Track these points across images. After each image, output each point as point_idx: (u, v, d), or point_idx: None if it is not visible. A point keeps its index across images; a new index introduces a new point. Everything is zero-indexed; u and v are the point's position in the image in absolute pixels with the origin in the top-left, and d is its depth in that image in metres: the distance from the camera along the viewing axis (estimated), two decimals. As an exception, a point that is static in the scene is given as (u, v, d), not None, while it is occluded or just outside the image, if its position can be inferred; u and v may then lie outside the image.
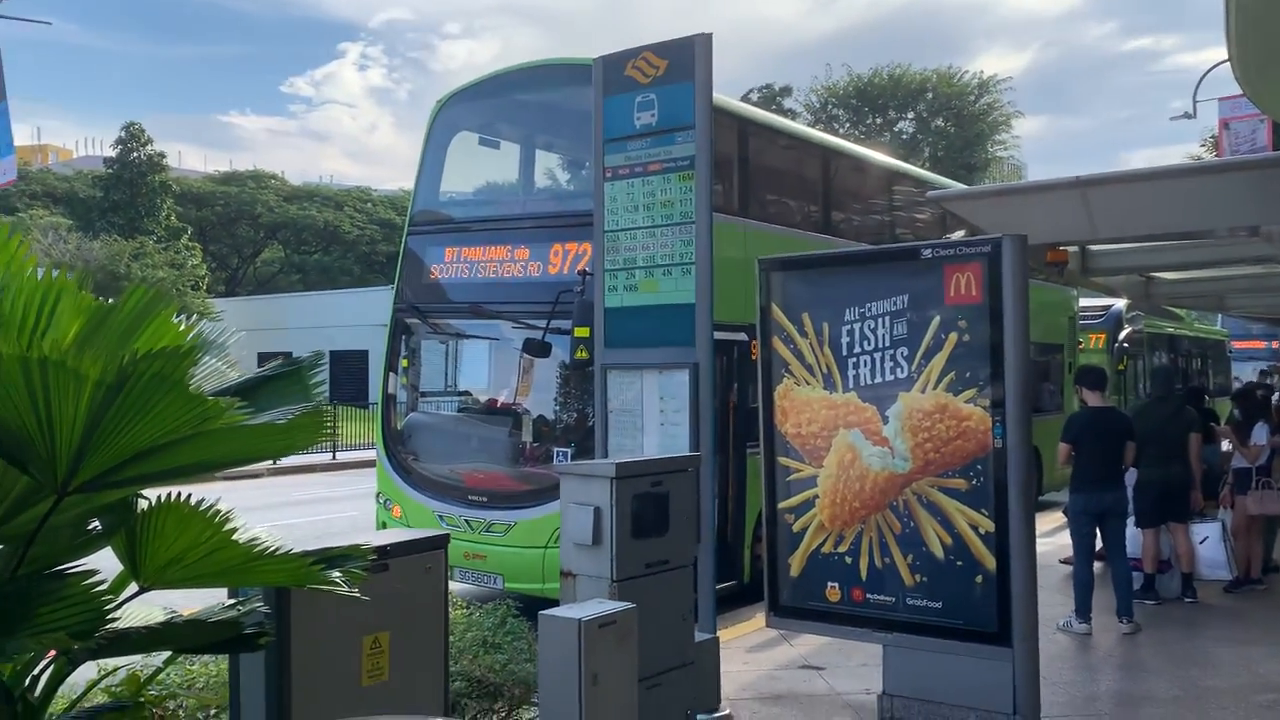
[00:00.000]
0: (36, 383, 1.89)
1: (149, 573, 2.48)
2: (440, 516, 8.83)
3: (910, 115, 52.33)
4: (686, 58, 6.04)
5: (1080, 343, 16.89)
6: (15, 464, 2.13)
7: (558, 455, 8.35)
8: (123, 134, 45.21)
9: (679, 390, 6.02)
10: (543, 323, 8.34)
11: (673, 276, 6.17)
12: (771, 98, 52.58)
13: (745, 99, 50.59)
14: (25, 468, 2.12)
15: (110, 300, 2.24)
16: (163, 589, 2.54)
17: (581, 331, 7.36)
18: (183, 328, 2.36)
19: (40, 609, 2.17)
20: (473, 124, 10.35)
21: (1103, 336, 17.74)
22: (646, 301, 6.28)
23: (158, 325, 2.25)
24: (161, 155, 46.22)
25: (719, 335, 6.81)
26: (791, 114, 51.13)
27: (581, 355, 7.38)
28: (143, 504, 2.47)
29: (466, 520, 8.62)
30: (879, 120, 52.10)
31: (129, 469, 2.15)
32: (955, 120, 50.46)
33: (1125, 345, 18.04)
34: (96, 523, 2.60)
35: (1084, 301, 17.01)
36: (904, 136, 51.16)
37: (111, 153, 46.59)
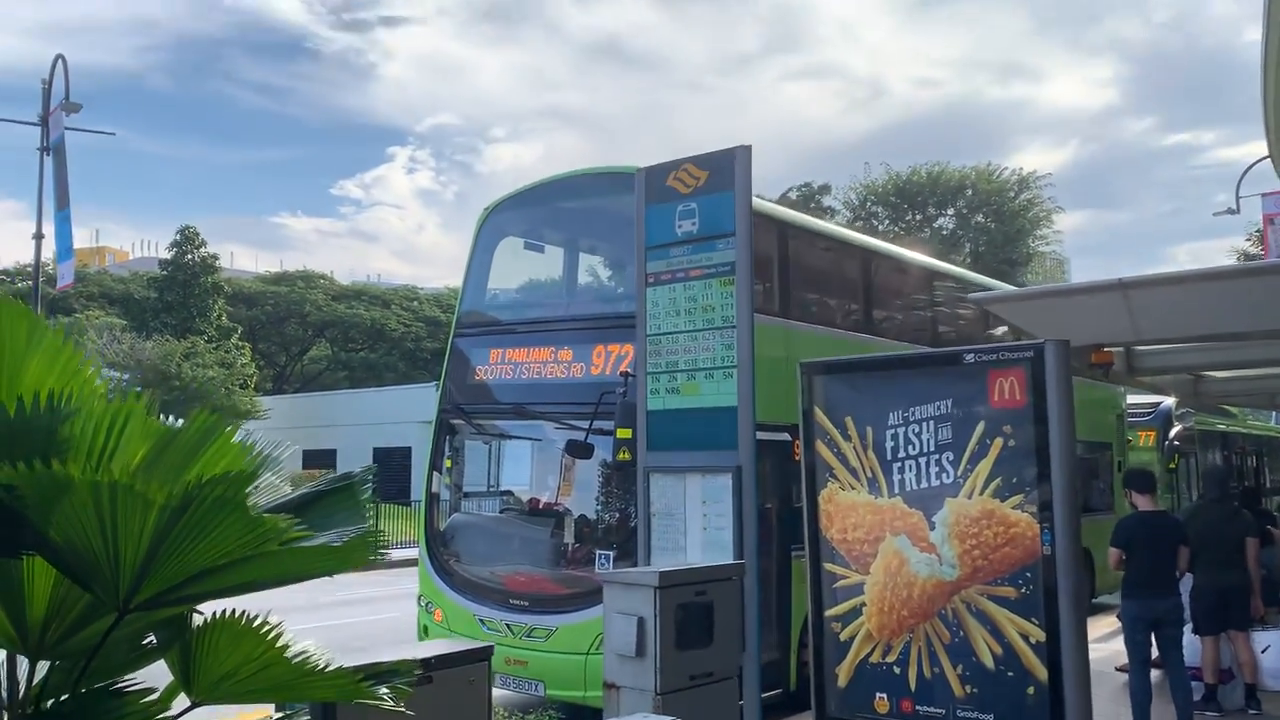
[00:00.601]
0: (105, 506, 1.96)
1: (202, 688, 2.51)
2: (481, 620, 8.77)
3: (950, 212, 52.57)
4: (727, 168, 6.19)
5: (1129, 440, 16.63)
6: (79, 583, 2.19)
7: (600, 558, 8.31)
8: (178, 237, 46.61)
9: (722, 494, 6.02)
10: (585, 424, 8.38)
11: (714, 380, 6.22)
12: (811, 196, 53.16)
13: (784, 197, 51.25)
14: (89, 586, 2.18)
15: (177, 422, 2.33)
16: (215, 704, 2.57)
17: (624, 433, 7.40)
18: (244, 448, 2.43)
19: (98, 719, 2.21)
20: (518, 229, 10.64)
21: (1153, 434, 17.45)
22: (689, 404, 6.33)
23: (219, 446, 2.32)
24: (214, 257, 47.52)
25: (761, 436, 6.82)
26: (831, 212, 51.63)
27: (624, 457, 7.41)
28: (197, 619, 2.52)
29: (508, 625, 8.54)
30: (919, 217, 52.39)
31: (189, 587, 2.21)
32: (995, 216, 50.59)
33: (1176, 443, 17.72)
34: (152, 637, 2.65)
35: (1133, 398, 16.80)
36: (944, 233, 51.33)
37: (167, 255, 48.00)
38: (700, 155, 6.37)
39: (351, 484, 2.88)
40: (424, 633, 9.33)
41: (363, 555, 2.37)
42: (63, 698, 2.29)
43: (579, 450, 8.35)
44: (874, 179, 52.51)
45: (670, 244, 6.45)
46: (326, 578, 2.57)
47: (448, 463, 9.90)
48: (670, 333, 6.41)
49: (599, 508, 8.88)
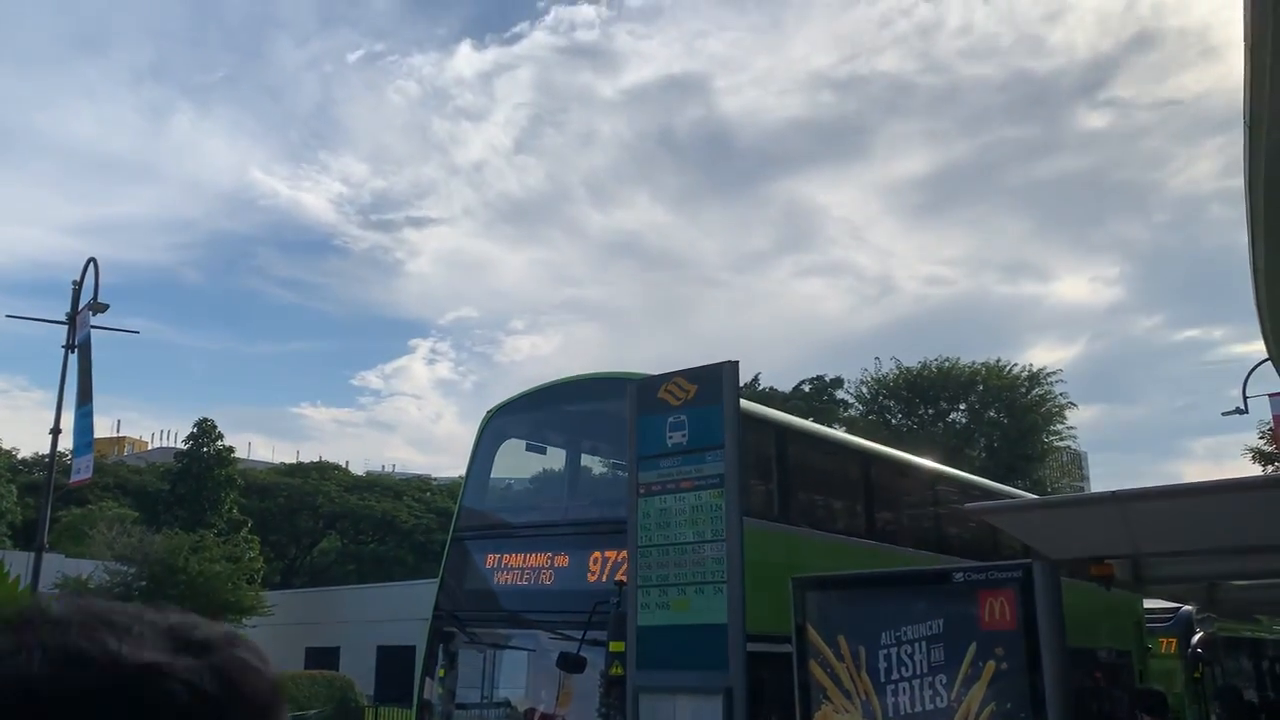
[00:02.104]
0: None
1: None
2: None
3: (962, 406, 52.77)
4: (715, 382, 6.32)
5: (1149, 648, 16.05)
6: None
7: None
8: (195, 429, 47.19)
9: (712, 718, 5.84)
10: (579, 634, 8.19)
11: (705, 595, 6.15)
12: (823, 389, 53.62)
13: (797, 389, 51.69)
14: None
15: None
16: None
17: (617, 646, 7.23)
18: None
19: None
20: (520, 432, 10.75)
21: (1174, 642, 16.88)
22: (679, 620, 6.24)
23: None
24: (230, 450, 47.93)
25: (759, 648, 6.65)
26: (843, 405, 51.91)
27: (616, 671, 7.21)
28: None
29: None
30: (931, 411, 52.57)
31: None
32: (1008, 411, 50.70)
33: (1199, 650, 17.11)
34: None
35: (1153, 603, 16.33)
36: (957, 427, 51.39)
37: (183, 446, 48.45)
38: (690, 369, 6.51)
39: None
40: None
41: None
42: None
43: (571, 664, 8.12)
44: (884, 373, 53.04)
45: (661, 455, 6.51)
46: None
47: (440, 670, 9.66)
48: (661, 545, 6.39)
49: None
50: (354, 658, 36.66)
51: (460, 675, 9.90)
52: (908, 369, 52.51)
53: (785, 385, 52.70)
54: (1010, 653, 5.21)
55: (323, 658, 36.50)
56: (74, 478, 21.16)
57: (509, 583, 9.34)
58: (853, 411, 51.61)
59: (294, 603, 41.53)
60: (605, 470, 11.23)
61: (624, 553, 8.18)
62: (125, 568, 32.16)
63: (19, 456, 50.99)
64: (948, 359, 52.45)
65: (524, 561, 9.28)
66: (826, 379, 54.62)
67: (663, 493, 6.54)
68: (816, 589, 6.08)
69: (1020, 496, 13.47)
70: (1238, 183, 9.50)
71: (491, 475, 10.62)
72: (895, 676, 5.60)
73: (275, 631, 33.86)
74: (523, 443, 10.92)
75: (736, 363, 6.31)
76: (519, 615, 9.16)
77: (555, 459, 10.95)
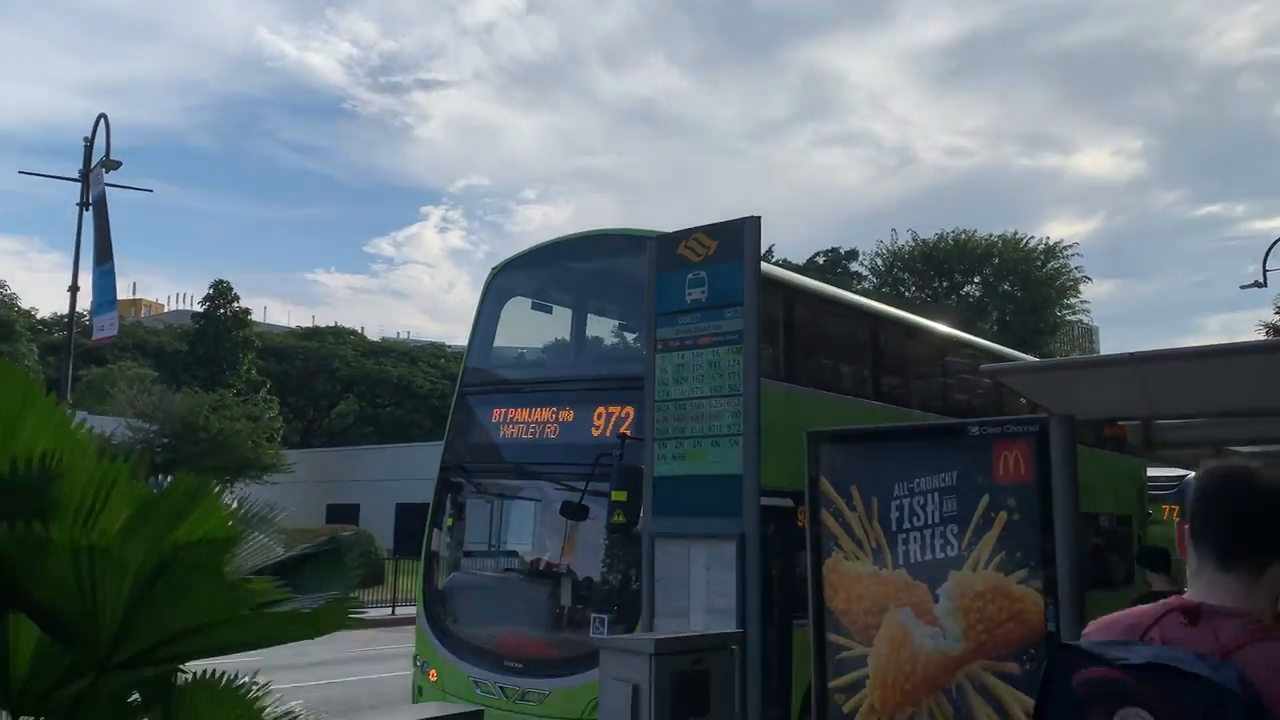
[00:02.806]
0: (84, 569, 2.02)
1: (181, 748, 2.55)
2: (475, 682, 8.62)
3: (977, 279, 52.55)
4: (736, 239, 6.28)
5: (1151, 514, 16.35)
6: (61, 640, 2.25)
7: (595, 622, 8.22)
8: (211, 291, 47.41)
9: (726, 562, 6.01)
10: (582, 485, 8.36)
11: (721, 447, 6.25)
12: (837, 261, 53.34)
13: (811, 262, 51.44)
14: (69, 645, 2.23)
15: (164, 483, 2.39)
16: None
17: (619, 495, 7.36)
18: (228, 511, 2.49)
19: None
20: (526, 290, 10.70)
21: (1177, 509, 17.18)
22: (695, 471, 6.35)
23: (204, 511, 2.38)
24: (247, 311, 48.23)
25: (764, 501, 6.80)
26: (857, 278, 51.71)
27: (618, 519, 7.38)
28: (180, 678, 2.56)
29: (502, 688, 8.39)
30: (945, 284, 52.40)
31: (167, 648, 2.25)
32: (1022, 285, 50.50)
33: None
34: (137, 695, 2.69)
35: (1159, 471, 16.54)
36: (971, 300, 51.27)
37: (200, 308, 48.75)
38: (710, 225, 6.47)
39: (339, 549, 2.93)
40: (418, 694, 9.22)
41: (337, 621, 2.41)
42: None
43: (573, 511, 8.31)
44: (901, 245, 52.69)
45: (680, 311, 6.53)
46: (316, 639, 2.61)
47: (448, 521, 9.88)
48: (678, 399, 6.46)
49: (597, 571, 8.79)
50: (373, 514, 37.66)
51: (468, 527, 10.13)
52: (924, 241, 52.14)
53: (800, 258, 52.40)
54: (1023, 504, 5.31)
55: (343, 514, 37.43)
56: (97, 335, 21.39)
57: (514, 437, 9.45)
58: (866, 284, 51.45)
59: (314, 461, 42.48)
60: (612, 328, 11.28)
61: (628, 409, 8.33)
62: (147, 425, 32.80)
63: (38, 317, 51.45)
64: (964, 231, 51.99)
65: (529, 416, 9.37)
66: (841, 251, 54.31)
67: (680, 349, 6.58)
68: (831, 442, 6.17)
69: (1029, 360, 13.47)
70: (1273, 52, 9.17)
71: (497, 333, 10.61)
72: (907, 526, 5.73)
73: (296, 489, 34.68)
74: (528, 301, 10.88)
75: (758, 218, 6.25)
76: (524, 467, 9.32)
77: (561, 317, 10.92)
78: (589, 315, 10.92)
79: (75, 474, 2.24)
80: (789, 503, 8.71)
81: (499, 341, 10.62)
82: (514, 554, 9.85)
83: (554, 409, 9.20)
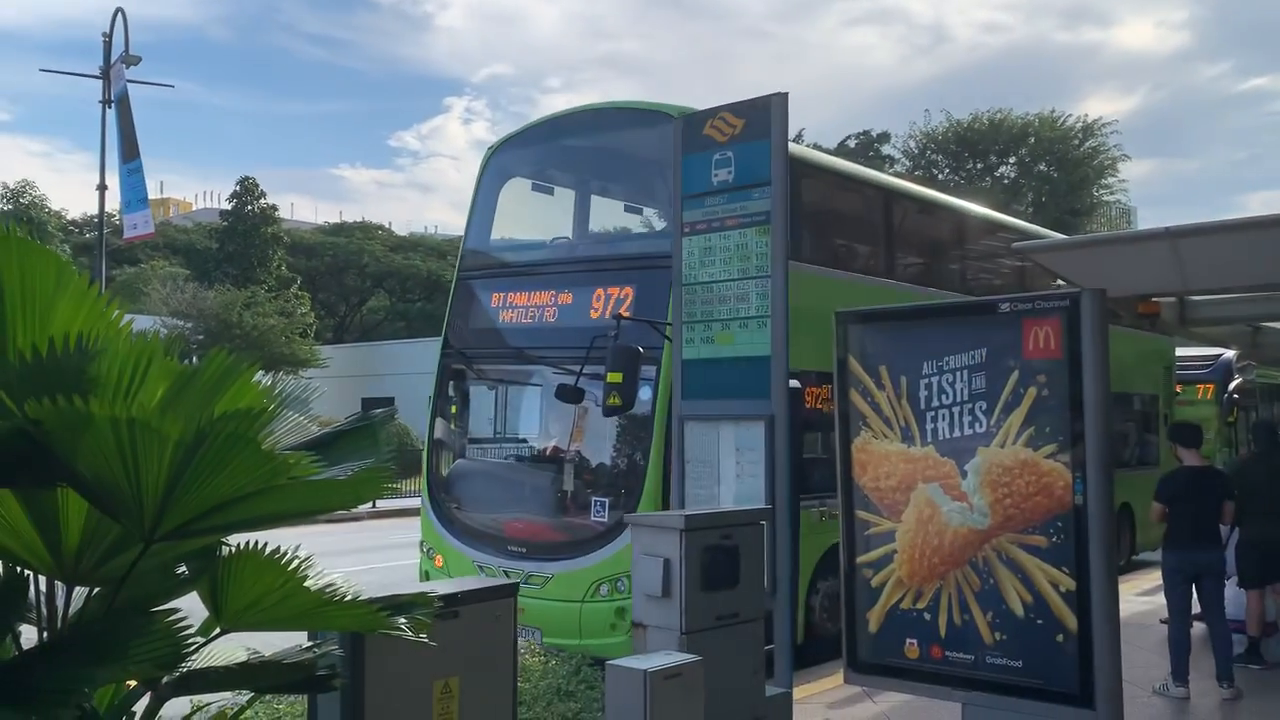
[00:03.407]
0: (125, 441, 2.07)
1: (229, 616, 2.65)
2: (480, 567, 8.70)
3: (1012, 160, 51.50)
4: (763, 116, 6.16)
5: (1179, 393, 16.29)
6: (108, 514, 2.33)
7: (596, 505, 8.23)
8: (238, 188, 47.35)
9: (754, 442, 6.07)
10: (578, 368, 8.24)
11: (748, 329, 6.25)
12: (869, 144, 52.38)
13: (843, 145, 50.54)
14: (116, 518, 2.31)
15: (195, 362, 2.44)
16: (242, 631, 2.71)
17: (614, 377, 7.28)
18: (262, 388, 2.54)
19: (129, 642, 2.35)
20: (524, 168, 10.36)
21: (1211, 388, 17.10)
22: (723, 354, 6.37)
23: (239, 387, 2.43)
24: (274, 208, 48.21)
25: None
26: (889, 160, 50.82)
27: (613, 401, 7.33)
28: (225, 551, 2.65)
29: (505, 571, 8.43)
30: (979, 165, 51.41)
31: (208, 519, 2.33)
32: (1058, 165, 49.45)
33: (1235, 396, 17.34)
34: (184, 568, 2.79)
35: (1192, 351, 16.42)
36: (1005, 182, 50.34)
37: (227, 205, 48.78)
38: (737, 103, 6.34)
39: (372, 423, 3.00)
40: (424, 577, 9.29)
41: (374, 489, 2.47)
42: (96, 618, 2.44)
43: (569, 394, 8.22)
44: (934, 127, 51.58)
45: (706, 193, 6.45)
46: (371, 505, 2.69)
47: (451, 408, 9.83)
48: (705, 282, 6.44)
49: (597, 455, 8.77)
50: (408, 407, 38.13)
51: (469, 413, 10.06)
52: (958, 122, 50.99)
53: (831, 141, 51.46)
54: (1052, 380, 5.29)
55: (378, 407, 37.87)
56: (129, 233, 21.54)
57: (514, 321, 9.32)
58: (899, 166, 50.56)
59: (349, 356, 42.97)
60: (611, 208, 10.89)
61: (627, 289, 8.23)
62: (181, 323, 33.22)
63: (69, 217, 51.72)
64: (999, 110, 50.73)
65: (528, 300, 9.22)
66: (873, 134, 53.27)
67: (707, 231, 6.53)
68: (859, 322, 6.15)
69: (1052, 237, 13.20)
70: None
71: (495, 214, 10.31)
72: (935, 404, 5.73)
73: (332, 384, 35.16)
74: (527, 181, 10.54)
75: (785, 95, 6.12)
76: (523, 352, 9.22)
77: (563, 197, 10.59)
78: (591, 194, 10.57)
79: (111, 352, 2.28)
80: (795, 384, 8.55)
81: (497, 223, 10.34)
82: (514, 440, 9.84)
83: (553, 292, 9.05)
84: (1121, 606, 5.53)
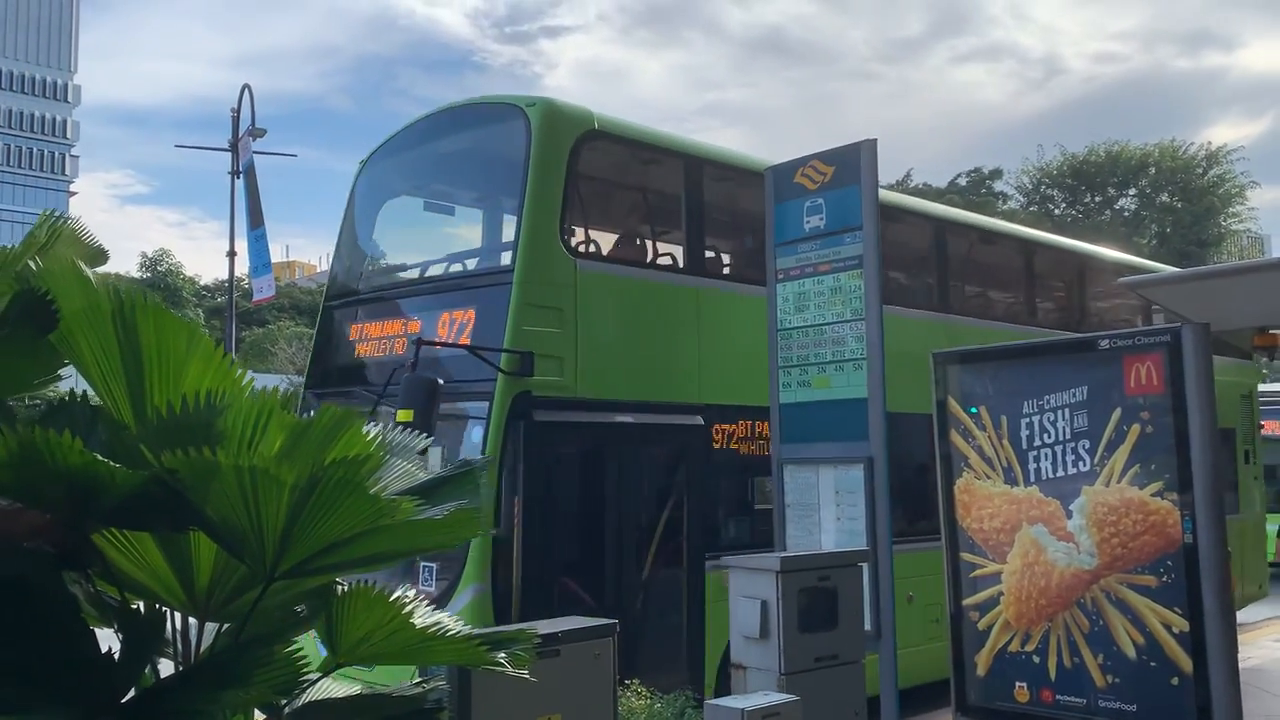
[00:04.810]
0: (248, 486, 2.31)
1: (343, 650, 2.86)
2: None
3: (1132, 192, 49.97)
4: (852, 163, 6.28)
5: (1261, 426, 14.63)
6: (234, 554, 2.56)
7: (422, 572, 6.76)
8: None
9: (855, 485, 6.10)
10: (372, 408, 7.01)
11: (845, 372, 6.31)
12: (980, 181, 51.56)
13: (953, 184, 49.86)
14: (241, 558, 2.55)
15: (310, 416, 2.67)
16: (355, 664, 2.92)
17: (404, 415, 5.83)
18: (370, 437, 2.76)
19: (254, 671, 2.57)
20: (388, 184, 9.22)
21: None
22: (820, 397, 6.44)
23: (349, 436, 2.65)
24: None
25: None
26: (1002, 197, 49.88)
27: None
28: (339, 589, 2.87)
29: None
30: (1097, 199, 50.04)
31: (322, 559, 2.54)
32: (1182, 195, 47.74)
33: None
34: (302, 608, 3.02)
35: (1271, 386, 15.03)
36: (1125, 214, 48.85)
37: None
38: (826, 151, 6.47)
39: (472, 470, 3.20)
40: None
41: (470, 529, 2.66)
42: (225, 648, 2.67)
43: None
44: (1048, 161, 50.47)
45: (798, 240, 6.58)
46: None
47: None
48: (800, 327, 6.54)
49: None
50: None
51: None
52: (1072, 155, 49.79)
53: (940, 180, 50.86)
54: (1156, 416, 5.21)
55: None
56: (256, 296, 22.67)
57: (369, 354, 8.13)
58: (1013, 203, 49.59)
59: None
60: (469, 215, 9.45)
61: (470, 312, 7.06)
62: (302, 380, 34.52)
63: (201, 283, 54.54)
64: (1116, 142, 49.35)
65: (381, 330, 8.03)
66: (985, 171, 52.41)
67: (800, 277, 6.64)
68: (957, 363, 6.15)
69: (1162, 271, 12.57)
70: None
71: (357, 234, 9.08)
72: (1037, 443, 5.69)
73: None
74: (396, 198, 9.34)
75: (874, 141, 6.22)
76: (355, 391, 7.97)
77: (423, 210, 9.34)
78: (449, 205, 9.43)
79: (235, 408, 2.53)
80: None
81: (362, 243, 9.13)
82: None
83: (402, 320, 7.83)
84: (1259, 651, 5.35)
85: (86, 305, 2.60)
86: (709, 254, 8.57)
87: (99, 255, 3.38)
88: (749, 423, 7.78)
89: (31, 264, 2.81)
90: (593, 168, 7.98)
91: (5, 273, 2.92)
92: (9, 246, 2.96)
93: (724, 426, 7.71)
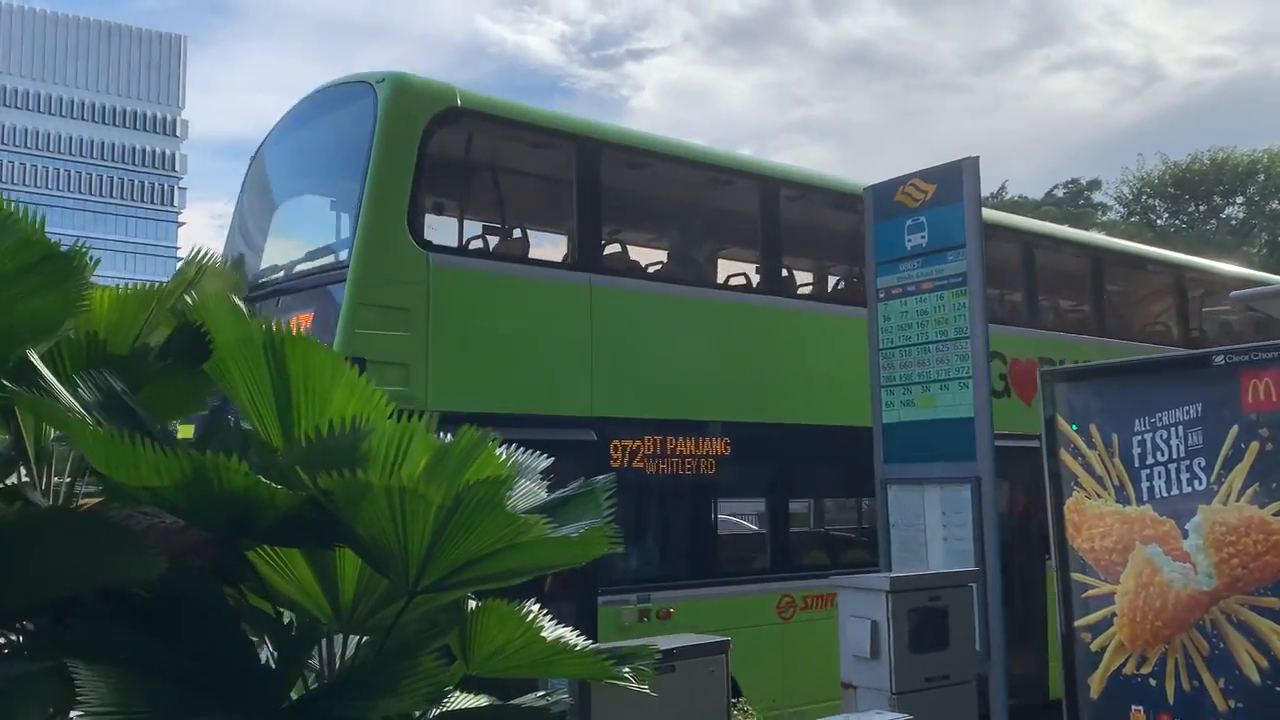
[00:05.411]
0: (396, 506, 2.45)
1: (476, 663, 3.00)
2: None
3: (1239, 200, 48.25)
4: (954, 180, 6.27)
5: None
6: (379, 570, 2.72)
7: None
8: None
9: (961, 505, 6.07)
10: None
11: (950, 391, 6.29)
12: (1079, 193, 50.39)
13: (1049, 195, 48.82)
14: (385, 573, 2.70)
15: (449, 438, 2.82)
16: (486, 676, 3.05)
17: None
18: (501, 459, 2.90)
19: (400, 680, 2.71)
20: (269, 178, 8.52)
21: None
22: (924, 416, 6.43)
23: (484, 457, 2.79)
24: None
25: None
26: (1102, 208, 48.65)
27: None
28: (471, 604, 3.01)
29: None
30: (1202, 208, 48.45)
31: (461, 574, 2.68)
32: (1294, 200, 45.95)
33: None
34: (439, 622, 3.17)
35: None
36: (1233, 223, 47.19)
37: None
38: (927, 169, 6.47)
39: (594, 489, 3.32)
40: None
41: (600, 546, 2.77)
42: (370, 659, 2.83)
43: None
44: (1149, 171, 49.06)
45: (900, 259, 6.58)
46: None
47: None
48: (903, 346, 6.53)
49: None
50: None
51: None
52: (1175, 164, 48.31)
53: (1037, 191, 49.83)
54: (1276, 432, 5.09)
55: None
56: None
57: None
58: (1113, 214, 48.32)
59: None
60: (320, 211, 8.27)
61: (308, 315, 6.45)
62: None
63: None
64: (1221, 149, 47.74)
65: None
66: (1083, 181, 51.21)
67: (903, 295, 6.64)
68: (1066, 380, 6.08)
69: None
70: None
71: (244, 231, 8.38)
72: (1150, 461, 5.59)
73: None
74: (276, 199, 8.59)
75: (976, 158, 6.20)
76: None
77: (297, 206, 8.55)
78: (308, 198, 8.55)
79: (379, 431, 2.69)
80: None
81: (242, 240, 8.36)
82: None
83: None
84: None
85: (239, 336, 2.79)
86: (608, 248, 7.77)
87: (240, 286, 3.60)
88: (658, 438, 7.04)
89: (188, 299, 3.03)
90: (456, 150, 7.32)
91: (160, 307, 3.14)
92: (161, 283, 3.18)
93: (625, 443, 6.97)
